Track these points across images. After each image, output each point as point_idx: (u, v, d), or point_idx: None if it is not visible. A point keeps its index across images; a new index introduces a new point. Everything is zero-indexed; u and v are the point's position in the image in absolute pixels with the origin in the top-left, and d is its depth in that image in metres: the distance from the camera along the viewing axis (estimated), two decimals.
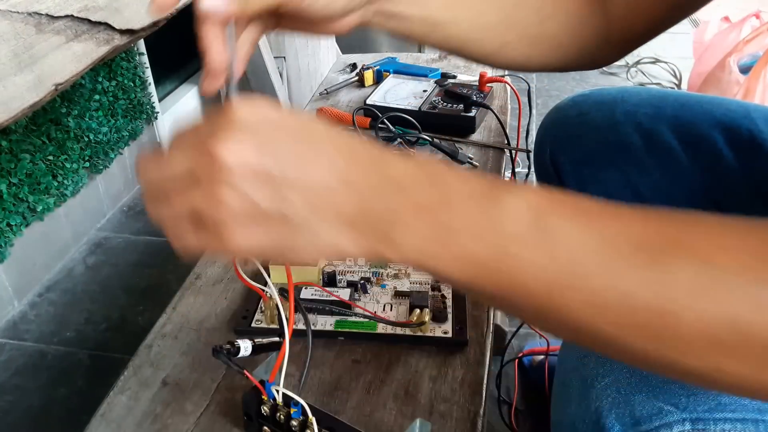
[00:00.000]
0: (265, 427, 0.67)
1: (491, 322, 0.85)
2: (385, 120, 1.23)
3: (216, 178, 0.42)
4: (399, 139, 1.20)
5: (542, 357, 1.42)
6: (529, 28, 0.74)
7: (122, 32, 0.96)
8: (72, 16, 0.88)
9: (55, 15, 0.86)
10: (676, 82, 2.93)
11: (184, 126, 0.46)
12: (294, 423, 0.63)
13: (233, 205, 0.42)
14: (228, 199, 0.42)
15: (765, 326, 0.38)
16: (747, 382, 0.40)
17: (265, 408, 0.65)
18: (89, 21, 0.91)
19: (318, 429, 0.62)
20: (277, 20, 0.60)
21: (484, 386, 0.75)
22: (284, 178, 0.42)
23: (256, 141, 0.42)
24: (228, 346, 0.65)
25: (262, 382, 0.64)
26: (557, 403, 0.66)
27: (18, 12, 0.81)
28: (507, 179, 0.40)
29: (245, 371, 0.64)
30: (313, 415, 0.62)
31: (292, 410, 0.63)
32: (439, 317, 0.82)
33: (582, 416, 0.59)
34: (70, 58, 0.87)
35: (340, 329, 0.81)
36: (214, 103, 2.50)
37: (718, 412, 0.54)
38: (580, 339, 0.44)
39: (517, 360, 1.45)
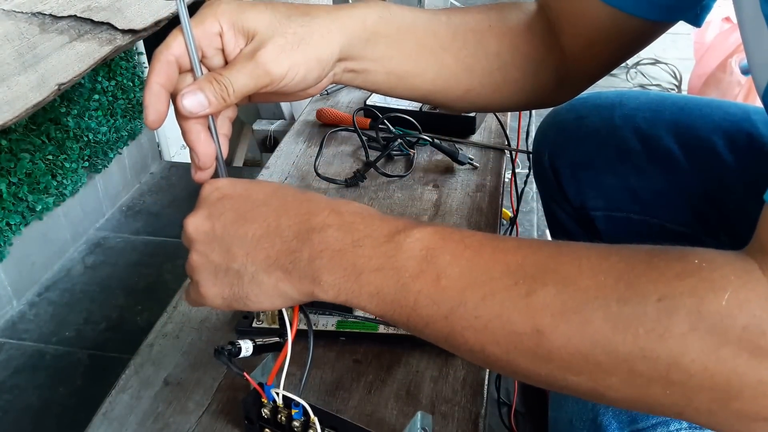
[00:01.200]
0: (266, 430, 0.67)
1: None
2: (385, 120, 1.23)
3: (188, 246, 0.56)
4: (399, 140, 1.20)
5: None
6: (492, 75, 0.77)
7: (124, 32, 0.96)
8: (75, 16, 0.89)
9: (59, 15, 0.86)
10: (677, 84, 2.93)
11: None
12: (296, 424, 0.63)
13: (197, 264, 0.55)
14: (194, 260, 0.55)
15: (626, 343, 0.42)
16: (626, 397, 0.44)
17: (265, 410, 0.65)
18: (92, 21, 0.91)
19: (321, 428, 0.62)
20: (251, 96, 0.64)
21: (486, 387, 0.76)
22: (228, 236, 0.54)
23: (208, 212, 0.55)
24: (229, 346, 0.65)
25: (261, 385, 0.65)
26: (555, 401, 0.66)
27: (22, 12, 0.82)
28: (415, 221, 0.48)
29: (245, 373, 0.64)
30: (314, 414, 0.62)
31: (294, 411, 0.63)
32: None
33: (579, 414, 0.60)
34: (73, 58, 0.87)
35: (341, 330, 0.81)
36: None
37: None
38: (477, 360, 0.49)
39: None
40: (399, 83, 0.73)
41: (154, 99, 0.59)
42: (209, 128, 0.61)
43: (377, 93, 0.77)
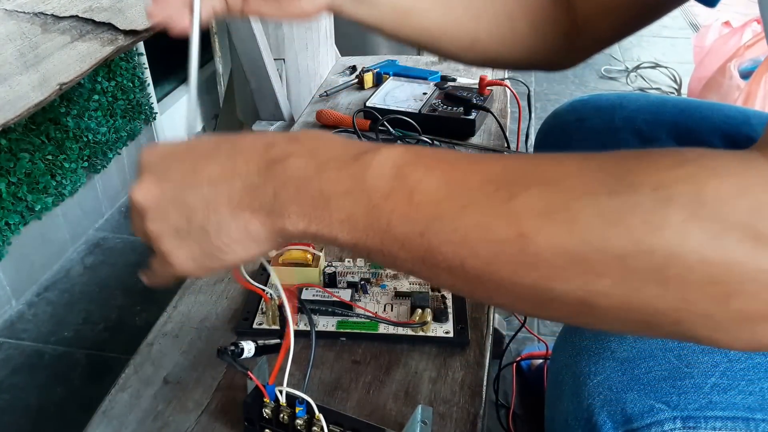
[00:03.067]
0: (267, 430, 0.67)
1: (491, 323, 0.85)
2: (385, 122, 1.23)
3: (141, 217, 0.50)
4: (399, 141, 1.20)
5: (541, 361, 1.43)
6: (499, 26, 0.76)
7: (126, 33, 0.96)
8: (77, 16, 0.89)
9: (61, 15, 0.87)
10: (676, 87, 2.94)
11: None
12: (299, 422, 0.63)
13: (157, 233, 0.50)
14: (151, 230, 0.50)
15: (619, 237, 0.38)
16: (618, 303, 0.40)
17: (266, 410, 0.66)
18: (93, 21, 0.91)
19: (326, 425, 0.63)
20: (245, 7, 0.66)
21: (484, 388, 0.76)
22: (181, 192, 0.49)
23: (153, 176, 0.50)
24: (232, 347, 0.65)
25: (263, 384, 0.65)
26: (550, 400, 0.66)
27: (24, 12, 0.82)
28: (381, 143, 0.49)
29: (249, 372, 0.64)
30: (319, 411, 0.63)
31: (297, 409, 0.63)
32: (439, 317, 0.82)
33: (574, 413, 0.60)
34: (74, 58, 0.88)
35: (342, 330, 0.82)
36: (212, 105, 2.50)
37: (708, 410, 0.55)
38: (457, 280, 0.45)
39: (515, 364, 1.45)
40: (404, 21, 0.73)
41: None
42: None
43: (381, 32, 0.73)
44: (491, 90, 1.37)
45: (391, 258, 0.46)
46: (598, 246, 0.39)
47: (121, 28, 0.94)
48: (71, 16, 0.87)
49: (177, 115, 2.28)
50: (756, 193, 0.37)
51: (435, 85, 1.40)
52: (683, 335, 0.41)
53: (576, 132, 0.99)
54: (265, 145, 0.50)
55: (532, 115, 1.36)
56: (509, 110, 1.43)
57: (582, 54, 0.81)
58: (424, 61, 1.68)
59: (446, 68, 1.60)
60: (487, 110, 1.30)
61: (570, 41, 0.78)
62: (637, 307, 0.40)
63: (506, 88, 1.43)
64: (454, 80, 1.46)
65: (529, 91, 1.37)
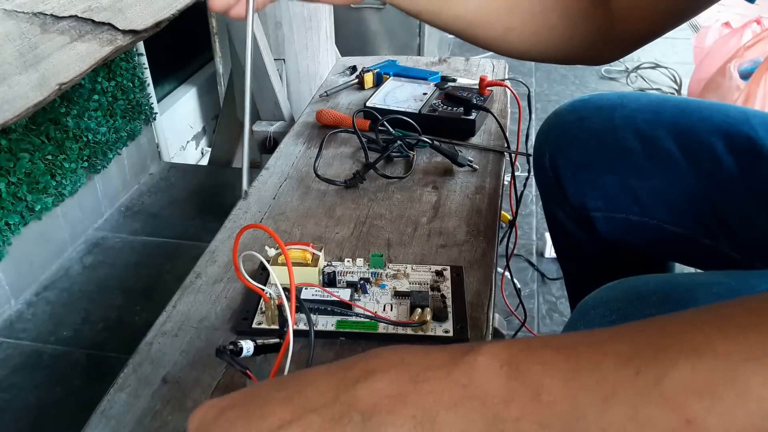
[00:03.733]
0: None
1: (491, 323, 0.85)
2: (385, 122, 1.23)
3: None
4: (399, 142, 1.20)
5: None
6: (533, 17, 0.78)
7: (125, 33, 0.96)
8: (76, 16, 0.89)
9: (60, 15, 0.87)
10: (676, 88, 2.94)
11: None
12: None
13: None
14: None
15: None
16: None
17: None
18: (93, 21, 0.91)
19: None
20: None
21: None
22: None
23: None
24: (230, 346, 0.65)
25: None
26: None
27: (23, 12, 0.82)
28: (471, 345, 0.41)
29: (248, 371, 0.64)
30: None
31: None
32: (439, 317, 0.82)
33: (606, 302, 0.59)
34: (74, 58, 0.88)
35: (341, 329, 0.82)
36: (213, 104, 2.50)
37: None
38: None
39: None
40: (442, 9, 0.76)
41: None
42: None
43: (420, 17, 0.77)
44: (491, 90, 1.37)
45: None
46: None
47: (120, 28, 0.94)
48: (70, 16, 0.87)
49: (177, 115, 2.28)
50: None
51: (435, 85, 1.40)
52: None
53: (577, 131, 0.99)
54: (340, 369, 0.44)
55: (533, 115, 1.36)
56: (509, 110, 1.43)
57: (617, 50, 0.83)
58: (425, 61, 1.68)
59: (446, 69, 1.60)
60: (488, 110, 1.30)
61: (604, 37, 0.80)
62: None
63: (506, 89, 1.43)
64: (454, 81, 1.46)
65: (529, 91, 1.37)
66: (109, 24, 0.92)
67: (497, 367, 0.40)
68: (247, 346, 0.66)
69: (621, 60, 3.20)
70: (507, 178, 1.33)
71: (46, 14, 0.84)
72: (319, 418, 0.41)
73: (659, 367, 0.36)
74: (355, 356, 0.45)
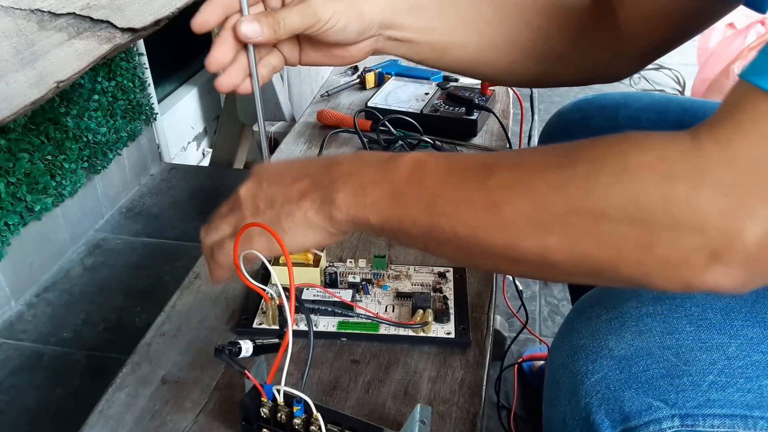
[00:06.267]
0: (265, 430, 0.66)
1: (491, 324, 0.84)
2: (386, 122, 1.22)
3: (235, 207, 0.65)
4: (400, 142, 1.20)
5: (542, 363, 1.42)
6: (535, 47, 0.79)
7: (124, 30, 0.96)
8: (74, 13, 0.88)
9: (58, 12, 0.86)
10: (680, 89, 2.93)
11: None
12: (297, 421, 0.63)
13: (245, 217, 0.64)
14: (245, 215, 0.64)
15: (561, 201, 0.47)
16: (566, 257, 0.49)
17: (264, 410, 0.65)
18: (91, 19, 0.90)
19: (324, 424, 0.62)
20: (299, 50, 0.75)
21: (484, 388, 0.75)
22: (272, 188, 0.63)
23: (257, 179, 0.65)
24: (230, 346, 0.65)
25: (261, 384, 0.64)
26: (548, 400, 0.66)
27: (20, 9, 0.81)
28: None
29: (246, 371, 0.63)
30: (317, 411, 0.62)
31: (295, 408, 0.63)
32: (441, 318, 0.81)
33: (572, 413, 0.60)
34: (71, 56, 0.87)
35: (342, 330, 0.81)
36: (213, 103, 2.50)
37: (707, 408, 0.55)
38: (452, 247, 0.55)
39: (516, 365, 1.44)
40: (442, 55, 0.79)
41: (210, 10, 0.70)
42: (248, 64, 0.72)
43: (422, 64, 0.81)
44: (493, 90, 1.36)
45: (407, 236, 0.57)
46: (546, 210, 0.48)
47: (119, 25, 0.93)
48: (68, 14, 0.87)
49: (178, 115, 2.27)
50: (670, 161, 0.45)
51: (437, 85, 1.40)
52: (626, 281, 0.49)
53: (580, 131, 0.98)
54: (331, 158, 0.63)
55: (535, 116, 1.35)
56: (511, 111, 1.42)
57: (633, 66, 0.83)
58: None
59: None
60: (489, 110, 1.29)
61: (616, 55, 0.80)
62: (582, 259, 0.48)
63: (509, 89, 1.43)
64: (456, 80, 1.45)
65: (531, 92, 1.36)
66: (108, 22, 0.91)
67: (410, 162, 0.57)
68: (246, 347, 0.65)
69: None
70: None
71: (44, 11, 0.83)
72: (309, 180, 0.61)
73: (491, 171, 0.52)
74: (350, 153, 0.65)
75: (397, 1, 0.74)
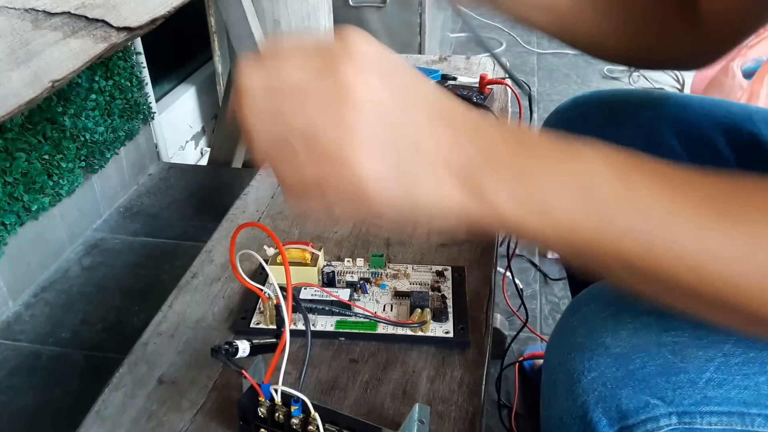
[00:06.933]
0: (262, 430, 0.66)
1: (490, 323, 0.84)
2: None
3: (344, 101, 0.42)
4: None
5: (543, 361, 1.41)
6: (628, 28, 0.81)
7: (119, 30, 0.95)
8: (69, 12, 0.88)
9: (52, 11, 0.85)
10: (679, 87, 2.93)
11: (290, 41, 0.46)
12: (295, 421, 0.62)
13: (358, 128, 0.42)
14: (353, 122, 0.42)
15: None
16: None
17: (262, 410, 0.64)
18: (86, 18, 0.90)
19: (321, 424, 0.62)
20: None
21: (483, 387, 0.75)
22: (399, 112, 0.43)
23: (379, 76, 0.43)
24: (226, 346, 0.64)
25: (258, 383, 0.64)
26: (545, 399, 0.66)
27: (14, 8, 0.81)
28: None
29: (243, 371, 0.63)
30: (314, 410, 0.62)
31: (293, 408, 0.62)
32: (439, 317, 0.81)
33: (569, 411, 0.59)
34: (67, 55, 0.86)
35: (340, 329, 0.81)
36: (211, 104, 2.49)
37: (704, 406, 0.55)
38: (672, 296, 0.46)
39: (517, 364, 1.44)
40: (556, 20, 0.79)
41: None
42: None
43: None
44: (491, 89, 1.36)
45: (598, 263, 0.45)
46: None
47: (114, 24, 0.93)
48: (63, 13, 0.86)
49: (176, 114, 2.27)
50: None
51: (435, 83, 1.39)
52: None
53: (579, 128, 0.98)
54: (468, 112, 0.46)
55: (534, 115, 1.35)
56: (510, 109, 1.41)
57: (711, 54, 0.84)
58: (425, 59, 1.67)
59: (447, 67, 1.59)
60: (488, 109, 1.29)
61: (695, 42, 0.81)
62: None
63: (507, 87, 1.42)
64: (454, 79, 1.45)
65: (530, 90, 1.36)
66: (103, 21, 0.91)
67: (606, 164, 0.44)
68: (243, 346, 0.65)
69: None
70: None
71: (38, 10, 0.83)
72: (452, 132, 0.44)
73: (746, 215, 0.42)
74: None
75: None
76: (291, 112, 0.44)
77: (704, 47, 0.82)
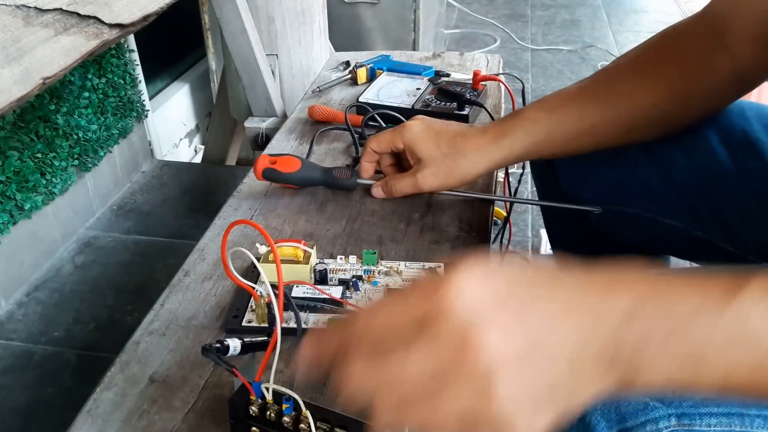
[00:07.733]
0: (254, 428, 0.66)
1: None
2: (376, 116, 1.22)
3: (483, 372, 0.40)
4: None
5: None
6: (651, 122, 0.90)
7: (111, 26, 0.95)
8: (61, 9, 0.87)
9: (44, 8, 0.85)
10: None
11: (394, 308, 0.45)
12: (286, 419, 0.62)
13: (506, 393, 0.40)
14: (503, 391, 0.40)
15: None
16: None
17: (253, 408, 0.64)
18: (78, 14, 0.90)
19: (313, 422, 0.61)
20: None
21: None
22: (541, 351, 0.41)
23: (507, 320, 0.41)
24: (217, 344, 0.64)
25: (249, 382, 0.64)
26: None
27: (5, 4, 0.80)
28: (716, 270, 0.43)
29: (234, 370, 0.63)
30: (306, 408, 0.61)
31: (284, 406, 0.62)
32: None
33: None
34: (58, 52, 0.86)
35: None
36: (206, 103, 2.49)
37: (703, 407, 0.55)
38: None
39: None
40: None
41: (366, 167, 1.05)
42: None
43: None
44: (485, 85, 1.36)
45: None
46: None
47: (106, 21, 0.92)
48: (54, 9, 0.86)
49: (169, 112, 2.27)
50: None
51: (429, 80, 1.39)
52: None
53: None
54: (603, 293, 0.44)
55: None
56: (503, 106, 1.41)
57: (752, 86, 0.87)
58: (419, 56, 1.67)
59: (440, 64, 1.59)
60: (481, 105, 1.29)
61: (737, 84, 0.86)
62: None
63: (500, 84, 1.42)
64: (447, 75, 1.45)
65: (524, 87, 1.35)
66: (95, 17, 0.91)
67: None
68: (234, 345, 0.64)
69: (617, 55, 3.19)
70: (501, 174, 1.32)
71: (30, 7, 0.82)
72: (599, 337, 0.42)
73: None
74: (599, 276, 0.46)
75: (498, 160, 0.93)
76: (440, 400, 0.41)
77: (746, 83, 0.86)
